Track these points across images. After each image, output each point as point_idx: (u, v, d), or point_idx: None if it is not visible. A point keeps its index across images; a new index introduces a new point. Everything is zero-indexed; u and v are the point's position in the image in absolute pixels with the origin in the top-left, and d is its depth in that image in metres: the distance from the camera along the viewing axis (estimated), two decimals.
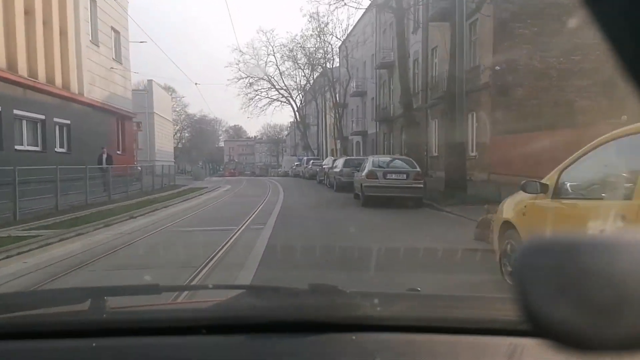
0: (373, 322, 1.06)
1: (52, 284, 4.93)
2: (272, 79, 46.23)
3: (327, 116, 45.06)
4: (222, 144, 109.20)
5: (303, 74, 45.19)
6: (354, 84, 36.67)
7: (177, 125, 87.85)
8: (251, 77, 45.28)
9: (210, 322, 1.07)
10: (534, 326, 0.46)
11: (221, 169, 79.09)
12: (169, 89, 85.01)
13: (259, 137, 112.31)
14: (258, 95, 46.94)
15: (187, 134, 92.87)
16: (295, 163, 44.96)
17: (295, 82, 46.46)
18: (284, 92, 46.84)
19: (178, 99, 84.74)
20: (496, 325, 1.03)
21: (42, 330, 1.07)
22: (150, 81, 43.46)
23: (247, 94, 46.03)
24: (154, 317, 1.20)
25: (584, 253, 0.46)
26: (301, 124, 48.49)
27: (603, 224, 3.14)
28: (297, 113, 48.25)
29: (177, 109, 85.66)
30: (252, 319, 1.10)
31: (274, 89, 46.69)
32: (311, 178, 29.70)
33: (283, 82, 46.52)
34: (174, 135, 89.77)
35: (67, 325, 1.09)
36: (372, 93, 35.20)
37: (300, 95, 48.17)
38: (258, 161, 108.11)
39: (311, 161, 33.91)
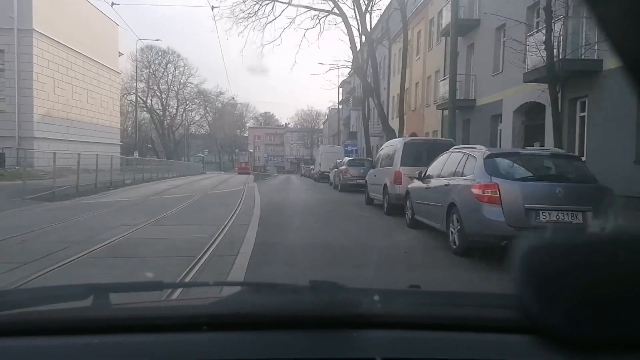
0: (374, 319, 1.06)
1: None
2: None
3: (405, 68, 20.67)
4: (247, 133, 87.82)
5: None
6: None
7: (176, 100, 66.63)
8: None
9: (211, 318, 1.06)
10: (533, 324, 0.47)
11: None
12: (167, 52, 63.59)
13: (290, 125, 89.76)
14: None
15: (196, 115, 71.37)
16: (345, 159, 22.04)
17: None
18: None
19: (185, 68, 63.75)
20: (496, 323, 1.03)
21: (43, 327, 1.05)
22: None
23: None
24: (155, 313, 1.18)
25: (582, 253, 0.47)
26: (367, 45, 23.70)
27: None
28: (355, 31, 23.92)
29: (180, 77, 64.63)
30: (252, 316, 1.08)
31: None
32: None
33: None
34: (174, 114, 68.61)
35: (69, 322, 1.08)
36: None
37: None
38: (288, 154, 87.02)
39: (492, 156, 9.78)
